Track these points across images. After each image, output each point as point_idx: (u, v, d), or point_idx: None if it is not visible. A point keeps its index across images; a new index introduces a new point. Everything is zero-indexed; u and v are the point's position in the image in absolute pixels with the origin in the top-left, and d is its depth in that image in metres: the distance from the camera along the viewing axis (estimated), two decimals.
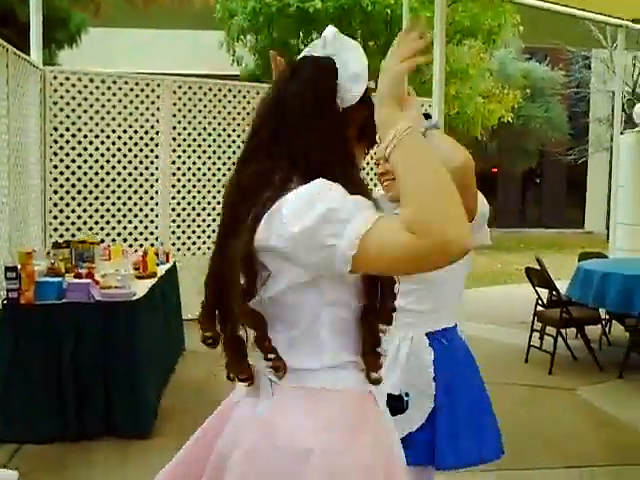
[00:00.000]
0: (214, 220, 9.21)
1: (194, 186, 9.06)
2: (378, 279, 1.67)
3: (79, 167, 8.29)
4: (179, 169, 8.96)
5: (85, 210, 8.34)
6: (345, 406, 1.67)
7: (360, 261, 1.45)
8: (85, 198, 8.33)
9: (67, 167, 8.21)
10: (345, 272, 1.49)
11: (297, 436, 1.62)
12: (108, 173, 8.47)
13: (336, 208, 1.46)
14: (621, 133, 11.07)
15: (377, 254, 1.44)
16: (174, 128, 8.92)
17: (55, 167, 8.15)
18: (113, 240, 8.31)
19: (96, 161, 8.40)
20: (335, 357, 1.67)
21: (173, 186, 8.91)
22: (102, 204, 8.45)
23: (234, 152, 9.30)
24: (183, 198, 9.00)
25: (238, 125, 9.35)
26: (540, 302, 7.34)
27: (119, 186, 8.54)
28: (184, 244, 9.06)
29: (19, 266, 5.09)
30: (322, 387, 1.66)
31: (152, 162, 8.77)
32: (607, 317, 7.88)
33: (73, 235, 7.97)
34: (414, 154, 1.48)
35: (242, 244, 1.59)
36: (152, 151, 8.77)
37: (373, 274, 1.62)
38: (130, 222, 8.63)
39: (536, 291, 7.27)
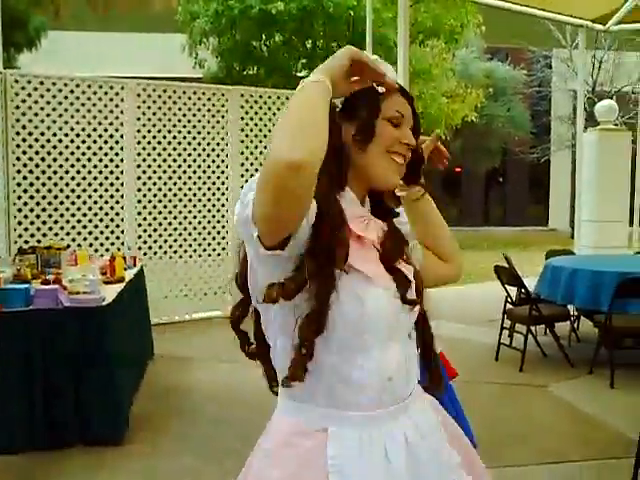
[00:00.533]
0: (180, 223, 9.15)
1: (160, 189, 8.99)
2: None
3: (43, 172, 8.18)
4: (144, 172, 8.88)
5: (50, 215, 8.23)
6: (281, 436, 1.71)
7: (255, 216, 1.44)
8: (50, 203, 8.22)
9: (31, 172, 8.09)
10: (254, 238, 1.47)
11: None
12: (73, 178, 8.36)
13: (244, 192, 1.51)
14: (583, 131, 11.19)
15: (255, 198, 1.43)
16: (138, 131, 8.84)
17: (18, 172, 8.03)
18: (79, 245, 8.21)
19: (60, 166, 8.29)
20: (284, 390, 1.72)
21: (139, 190, 8.83)
22: (67, 209, 8.34)
23: (199, 155, 9.25)
24: (149, 202, 8.92)
25: (203, 127, 9.29)
26: (509, 300, 7.36)
27: (84, 190, 8.44)
28: (150, 248, 8.98)
29: None
30: (278, 413, 1.79)
31: (117, 166, 8.69)
32: (576, 314, 7.93)
33: (38, 241, 7.86)
34: (296, 97, 1.47)
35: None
36: (117, 155, 8.69)
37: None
38: (96, 227, 8.52)
39: (505, 289, 7.30)
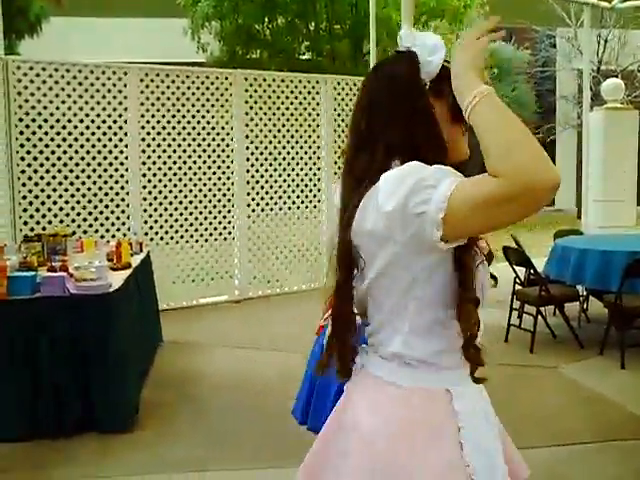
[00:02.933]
0: (186, 208, 9.11)
1: (165, 174, 8.94)
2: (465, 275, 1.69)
3: (47, 159, 8.12)
4: (149, 157, 8.83)
5: (55, 202, 8.18)
6: (407, 403, 1.70)
7: (451, 222, 1.49)
8: (54, 190, 8.18)
9: (35, 159, 8.05)
10: (436, 239, 1.52)
11: (357, 420, 1.73)
12: (77, 164, 8.31)
13: (423, 177, 1.52)
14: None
15: (465, 208, 1.47)
16: (142, 116, 8.78)
17: (22, 159, 7.98)
18: (84, 232, 8.18)
19: (64, 152, 8.24)
20: (406, 347, 1.71)
21: (144, 175, 8.78)
22: (72, 196, 8.29)
23: (204, 139, 9.20)
24: (154, 187, 8.87)
25: (207, 112, 9.23)
26: (518, 281, 7.32)
27: (88, 177, 8.39)
28: (157, 233, 8.94)
29: None
30: (389, 381, 1.73)
31: (121, 151, 8.63)
32: (585, 294, 7.88)
33: (44, 228, 7.82)
34: (494, 111, 1.54)
35: (343, 232, 1.71)
36: (121, 140, 8.63)
37: (465, 251, 1.65)
38: (101, 213, 8.48)
39: (514, 270, 7.25)
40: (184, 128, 9.07)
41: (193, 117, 9.14)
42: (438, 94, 1.75)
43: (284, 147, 9.88)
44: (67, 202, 8.26)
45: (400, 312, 1.70)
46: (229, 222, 9.51)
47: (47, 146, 8.14)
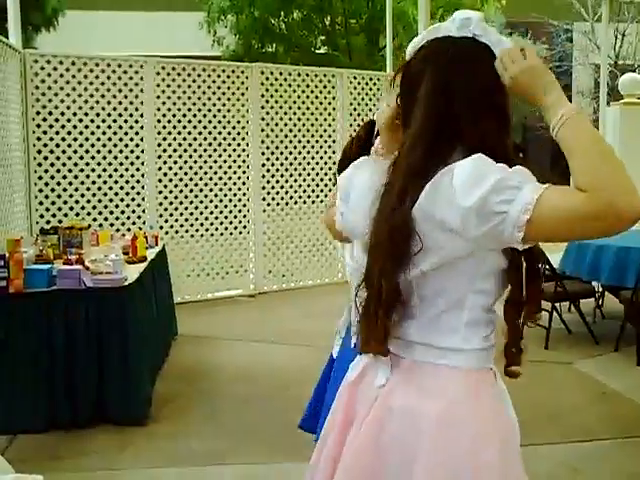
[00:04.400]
0: (201, 202, 9.12)
1: (180, 168, 8.95)
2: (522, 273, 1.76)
3: (63, 152, 8.15)
4: (165, 151, 8.83)
5: (71, 195, 8.21)
6: (461, 380, 1.72)
7: (533, 226, 1.51)
8: (70, 183, 8.20)
9: (51, 152, 8.07)
10: (515, 240, 1.54)
11: (410, 406, 1.71)
12: (93, 157, 8.33)
13: (505, 177, 1.54)
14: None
15: (550, 217, 1.50)
16: (158, 109, 8.79)
17: (39, 152, 8.01)
18: (100, 225, 8.19)
19: (80, 145, 8.26)
20: (464, 342, 1.72)
21: (159, 168, 8.79)
22: (88, 189, 8.31)
23: (219, 133, 9.20)
24: (170, 180, 8.88)
25: (223, 105, 9.23)
26: None
27: (104, 170, 8.41)
28: (172, 227, 8.95)
29: (7, 254, 4.98)
30: (442, 364, 1.72)
31: (137, 145, 8.64)
32: (600, 290, 7.85)
33: (60, 221, 7.83)
34: (582, 132, 1.57)
35: (401, 214, 1.64)
36: (137, 133, 8.64)
37: (532, 255, 1.72)
38: (117, 206, 8.50)
39: None
40: (200, 122, 9.07)
41: (209, 111, 9.14)
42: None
43: (300, 141, 9.86)
44: (83, 195, 8.28)
45: (458, 304, 1.71)
46: (244, 216, 9.51)
47: (63, 139, 8.16)
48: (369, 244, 1.74)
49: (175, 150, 8.90)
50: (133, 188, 8.62)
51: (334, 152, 10.11)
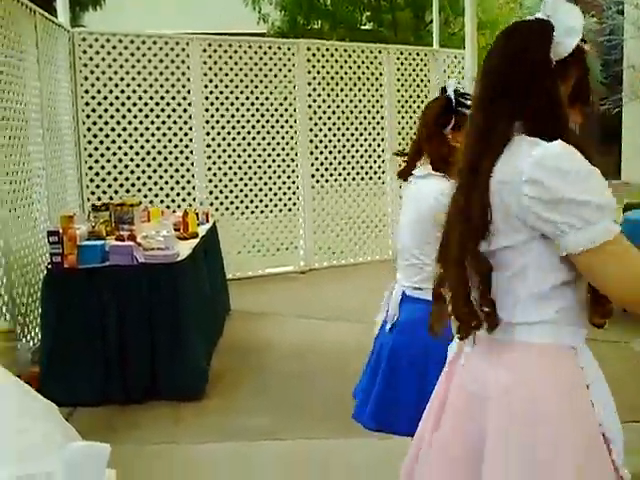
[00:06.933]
0: (250, 179, 9.11)
1: (229, 144, 8.94)
2: None
3: (112, 129, 8.18)
4: (213, 128, 8.83)
5: (121, 172, 8.25)
6: (538, 358, 1.71)
7: (576, 259, 1.61)
8: (120, 160, 8.24)
9: (100, 129, 8.10)
10: (562, 254, 1.62)
11: (488, 382, 1.74)
12: (142, 134, 8.35)
13: (589, 201, 1.57)
14: None
15: (595, 271, 1.62)
16: (205, 87, 8.77)
17: (88, 130, 8.04)
18: (150, 202, 8.21)
19: (129, 123, 8.28)
20: (542, 315, 1.71)
21: (208, 145, 8.79)
22: (137, 166, 8.34)
23: (267, 109, 9.16)
24: (219, 157, 8.89)
25: (270, 82, 9.18)
26: None
27: (153, 147, 8.43)
28: (222, 204, 8.96)
29: (61, 230, 5.01)
30: (517, 340, 1.73)
31: (185, 122, 8.64)
32: None
33: (110, 198, 7.87)
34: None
35: (479, 194, 1.68)
36: (185, 111, 8.64)
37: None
38: (166, 183, 8.52)
39: None
40: (247, 98, 9.04)
41: (256, 87, 9.10)
42: (562, 77, 1.75)
43: (348, 117, 9.78)
44: (132, 172, 8.31)
45: (520, 280, 1.71)
46: (294, 193, 9.48)
47: (112, 117, 8.19)
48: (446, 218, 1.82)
49: (223, 127, 8.88)
50: (182, 165, 8.63)
51: (382, 128, 10.02)
